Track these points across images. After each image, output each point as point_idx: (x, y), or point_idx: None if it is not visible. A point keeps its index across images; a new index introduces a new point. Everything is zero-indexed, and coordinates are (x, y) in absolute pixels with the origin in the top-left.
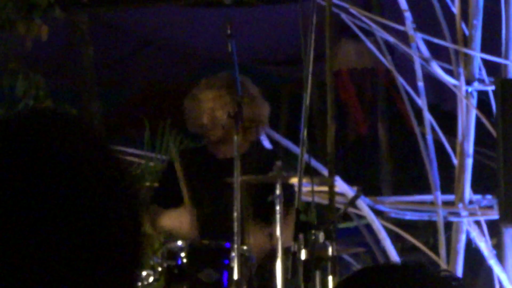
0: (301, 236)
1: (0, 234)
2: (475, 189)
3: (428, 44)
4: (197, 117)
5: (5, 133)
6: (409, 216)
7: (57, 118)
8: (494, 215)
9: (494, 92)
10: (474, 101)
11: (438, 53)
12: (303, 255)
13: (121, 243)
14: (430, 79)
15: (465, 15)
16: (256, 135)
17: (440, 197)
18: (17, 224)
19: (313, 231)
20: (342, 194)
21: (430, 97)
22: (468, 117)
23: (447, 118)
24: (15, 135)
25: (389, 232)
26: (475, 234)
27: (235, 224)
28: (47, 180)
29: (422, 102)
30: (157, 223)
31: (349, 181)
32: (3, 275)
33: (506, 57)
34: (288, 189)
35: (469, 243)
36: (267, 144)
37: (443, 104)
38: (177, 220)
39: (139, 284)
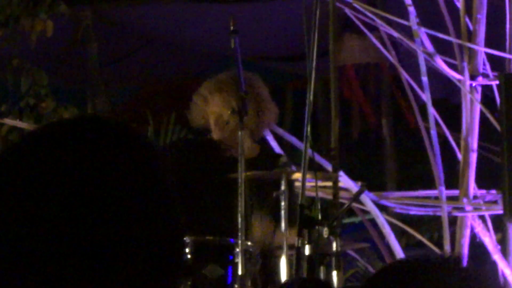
0: (305, 231)
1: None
2: (480, 184)
3: (432, 39)
4: (202, 117)
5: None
6: (414, 211)
7: (105, 125)
8: (499, 210)
9: (498, 86)
10: (478, 96)
11: (442, 48)
12: (307, 250)
13: (166, 247)
14: (438, 73)
15: (469, 9)
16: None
17: (445, 192)
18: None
19: (317, 227)
20: (346, 189)
21: (438, 92)
22: (472, 112)
23: (451, 113)
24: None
25: (394, 227)
26: (479, 229)
27: (239, 220)
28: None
29: (426, 97)
30: None
31: (353, 176)
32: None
33: (511, 52)
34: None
35: (474, 238)
36: (277, 149)
37: (452, 98)
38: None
39: None
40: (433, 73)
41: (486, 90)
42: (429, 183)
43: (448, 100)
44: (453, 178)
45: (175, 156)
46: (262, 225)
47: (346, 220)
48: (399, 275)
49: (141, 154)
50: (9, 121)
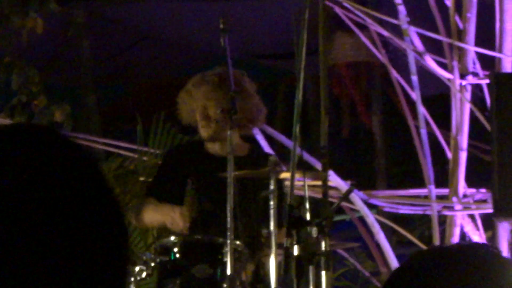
0: (293, 231)
1: None
2: (469, 182)
3: (422, 37)
4: (190, 113)
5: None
6: (403, 210)
7: (32, 131)
8: (488, 209)
9: (488, 85)
10: (468, 95)
11: (432, 46)
12: (295, 250)
13: (109, 241)
14: (430, 71)
15: (459, 8)
16: (249, 132)
17: (434, 191)
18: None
19: (306, 227)
20: (335, 188)
21: (431, 89)
22: (462, 111)
23: (441, 112)
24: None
25: (384, 226)
26: (469, 228)
27: (228, 219)
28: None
29: (416, 95)
30: (148, 217)
31: (343, 174)
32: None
33: (500, 51)
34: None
35: (463, 236)
36: (267, 148)
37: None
38: (169, 216)
39: (132, 279)
40: (426, 70)
41: (476, 89)
42: (420, 181)
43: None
44: (444, 177)
45: (175, 160)
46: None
47: (336, 218)
48: (437, 259)
49: (78, 162)
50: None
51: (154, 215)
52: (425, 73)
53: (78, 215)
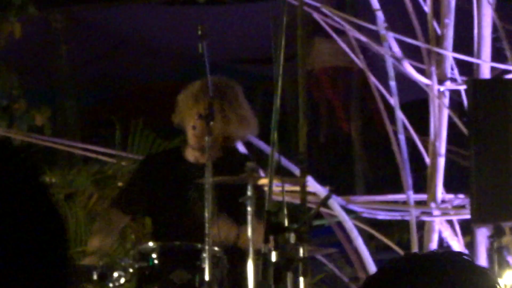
0: (271, 237)
1: None
2: (448, 188)
3: (400, 43)
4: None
5: None
6: (382, 215)
7: None
8: (467, 215)
9: (466, 91)
10: (446, 101)
11: (410, 52)
12: (273, 256)
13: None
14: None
15: (437, 14)
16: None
17: (413, 197)
18: None
19: (284, 233)
20: (314, 194)
21: (409, 95)
22: (440, 117)
23: (420, 117)
24: None
25: (363, 231)
26: (447, 234)
27: (206, 226)
28: None
29: (394, 101)
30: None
31: (322, 180)
32: None
33: (478, 57)
34: (258, 193)
35: (442, 242)
36: (241, 147)
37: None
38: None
39: (111, 285)
40: (404, 76)
41: (454, 95)
42: (399, 186)
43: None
44: (422, 182)
45: (148, 169)
46: (224, 226)
47: (315, 223)
48: (407, 269)
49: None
50: None
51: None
52: (403, 79)
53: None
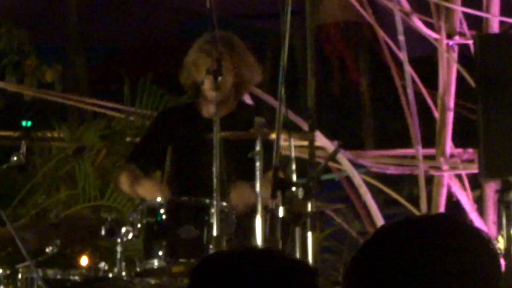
0: (279, 192)
1: None
2: (457, 142)
3: None
4: (186, 77)
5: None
6: (391, 170)
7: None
8: (475, 169)
9: (474, 46)
10: (455, 55)
11: (419, 6)
12: (281, 212)
13: None
14: (416, 32)
15: None
16: (246, 92)
17: (421, 151)
18: None
19: (292, 188)
20: (322, 148)
21: (417, 50)
22: (449, 71)
23: (429, 72)
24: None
25: (372, 186)
26: (456, 188)
27: (214, 181)
28: None
29: (403, 56)
30: (132, 189)
31: (331, 134)
32: None
33: (487, 11)
34: (269, 146)
35: (451, 196)
36: (248, 100)
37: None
38: (150, 192)
39: (119, 240)
40: (413, 30)
41: (464, 49)
42: (408, 141)
43: (426, 58)
44: (431, 136)
45: (162, 124)
46: (242, 190)
47: (323, 178)
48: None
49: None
50: None
51: (132, 188)
52: (412, 33)
53: None
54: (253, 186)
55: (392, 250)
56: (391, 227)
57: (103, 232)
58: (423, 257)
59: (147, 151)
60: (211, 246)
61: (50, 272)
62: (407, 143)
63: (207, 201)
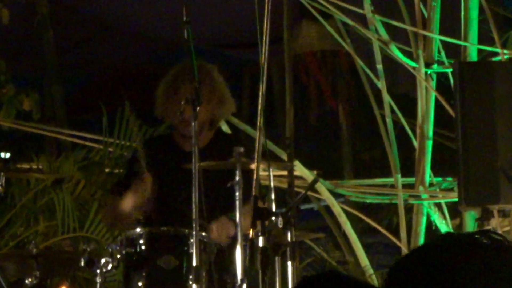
0: (259, 222)
1: None
2: (436, 171)
3: (387, 26)
4: (160, 109)
5: None
6: (370, 199)
7: None
8: (455, 197)
9: (452, 74)
10: (433, 84)
11: (397, 35)
12: (260, 242)
13: None
14: (385, 61)
15: None
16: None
17: (401, 180)
18: None
19: (272, 217)
20: (301, 178)
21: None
22: (427, 100)
23: (406, 101)
24: None
25: (351, 215)
26: (436, 216)
27: (194, 211)
28: None
29: (381, 84)
30: (119, 208)
31: (310, 163)
32: None
33: (466, 39)
34: (247, 176)
35: (430, 225)
36: (225, 128)
37: (396, 87)
38: (137, 194)
39: (98, 271)
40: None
41: (441, 77)
42: (387, 169)
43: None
44: (410, 164)
45: (146, 153)
46: (219, 225)
47: (303, 207)
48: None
49: None
50: None
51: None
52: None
53: None
54: (233, 220)
55: (433, 264)
56: (433, 242)
57: (82, 263)
58: (466, 273)
59: (129, 183)
60: (190, 276)
61: None
62: (386, 172)
63: (186, 231)
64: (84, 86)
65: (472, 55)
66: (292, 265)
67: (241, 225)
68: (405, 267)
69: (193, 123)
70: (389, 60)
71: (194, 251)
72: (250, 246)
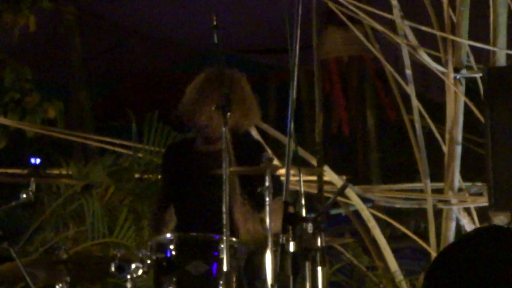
0: (289, 228)
1: None
2: (465, 176)
3: (416, 31)
4: (187, 113)
5: None
6: (399, 204)
7: None
8: (484, 202)
9: (481, 79)
10: (462, 89)
11: (426, 40)
12: (291, 247)
13: None
14: (415, 67)
15: (453, 1)
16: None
17: (430, 185)
18: None
19: (301, 223)
20: (331, 183)
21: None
22: (456, 105)
23: (435, 106)
24: None
25: (380, 219)
26: (465, 221)
27: (224, 216)
28: None
29: (410, 90)
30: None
31: (338, 169)
32: None
33: (494, 44)
34: (275, 181)
35: (459, 230)
36: (254, 133)
37: (429, 93)
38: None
39: (129, 277)
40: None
41: (470, 83)
42: (415, 173)
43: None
44: (439, 170)
45: (168, 160)
46: (246, 220)
47: (332, 212)
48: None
49: None
50: None
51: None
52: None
53: None
54: (260, 216)
55: (477, 252)
56: (479, 231)
57: (112, 269)
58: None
59: (166, 191)
60: (220, 282)
61: None
62: (414, 177)
63: (216, 236)
64: (111, 92)
65: (501, 60)
66: (322, 270)
67: (271, 230)
68: (451, 254)
69: (223, 129)
70: (417, 66)
71: (224, 256)
72: (280, 251)
